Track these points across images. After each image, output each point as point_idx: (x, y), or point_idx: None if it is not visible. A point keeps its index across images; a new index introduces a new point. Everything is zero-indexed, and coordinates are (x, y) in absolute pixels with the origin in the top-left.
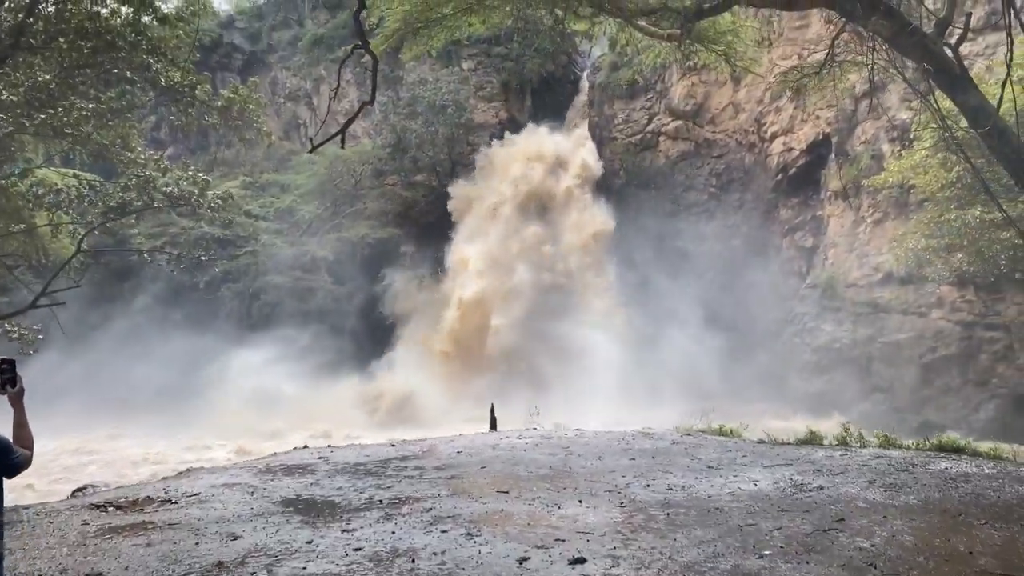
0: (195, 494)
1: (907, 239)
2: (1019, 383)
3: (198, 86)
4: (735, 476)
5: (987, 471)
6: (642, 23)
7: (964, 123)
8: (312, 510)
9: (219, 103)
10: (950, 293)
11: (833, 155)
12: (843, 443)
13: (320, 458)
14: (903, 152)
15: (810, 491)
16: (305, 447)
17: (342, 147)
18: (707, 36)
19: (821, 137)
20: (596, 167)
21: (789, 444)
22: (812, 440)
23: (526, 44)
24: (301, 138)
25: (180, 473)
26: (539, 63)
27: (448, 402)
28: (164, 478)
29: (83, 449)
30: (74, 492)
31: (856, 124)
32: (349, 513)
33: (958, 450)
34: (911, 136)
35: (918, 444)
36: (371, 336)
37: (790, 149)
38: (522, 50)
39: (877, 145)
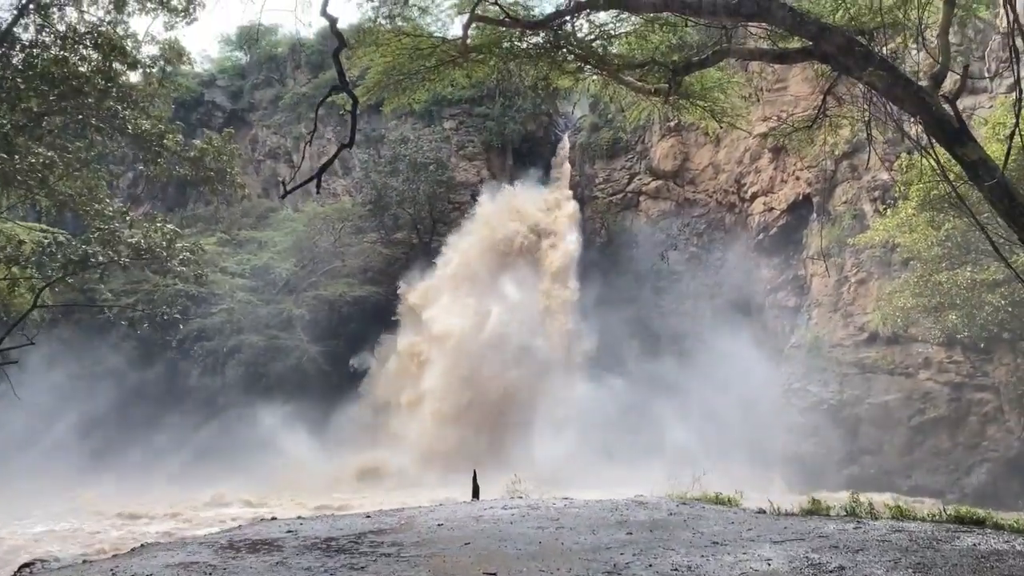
0: None
1: (895, 298)
2: (1010, 447)
3: (167, 135)
4: (744, 554)
5: (1019, 548)
6: (628, 78)
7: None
8: None
9: (191, 153)
10: (938, 353)
11: (814, 215)
12: (853, 514)
13: (288, 531)
14: (888, 211)
15: (830, 572)
16: (273, 518)
17: (317, 192)
18: (694, 92)
19: (801, 197)
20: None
21: (794, 515)
22: (818, 510)
23: (508, 104)
24: (280, 194)
25: (133, 550)
26: (521, 123)
27: (423, 467)
28: (115, 555)
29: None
30: (21, 567)
31: (836, 184)
32: None
33: (979, 522)
34: (894, 195)
35: (935, 516)
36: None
37: (771, 209)
38: (504, 111)
39: (858, 205)
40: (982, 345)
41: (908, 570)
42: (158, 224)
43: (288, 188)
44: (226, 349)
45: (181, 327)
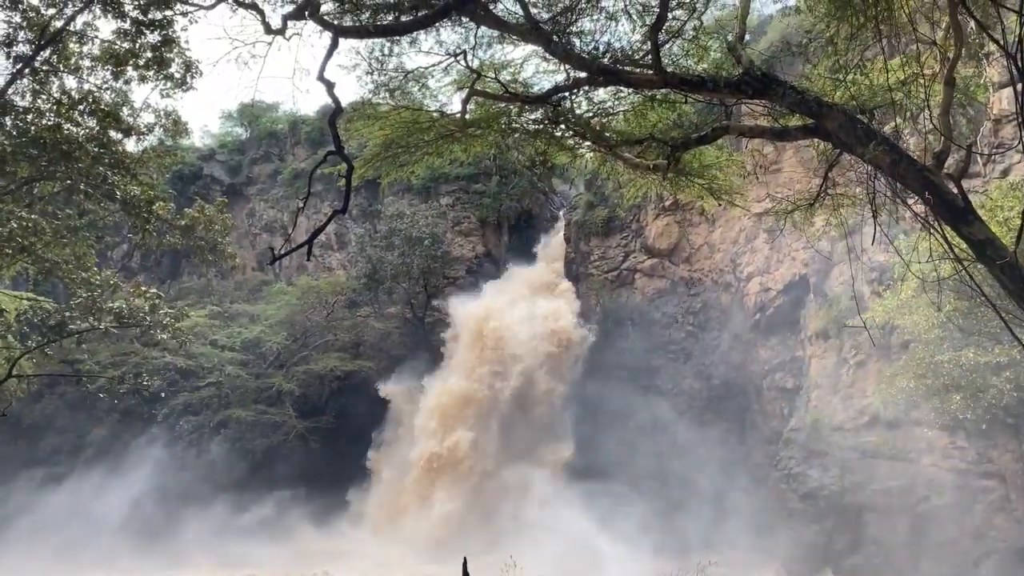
0: None
1: (897, 380)
2: (1019, 537)
3: (156, 202)
4: None
5: None
6: (626, 155)
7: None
8: None
9: (182, 222)
10: (940, 439)
11: (811, 295)
12: None
13: None
14: (888, 292)
15: None
16: None
17: (308, 259)
18: (692, 169)
19: (798, 278)
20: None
21: None
22: None
23: (504, 182)
24: (275, 268)
25: None
26: (517, 200)
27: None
28: None
29: None
30: None
31: (833, 265)
32: None
33: None
34: (892, 277)
35: None
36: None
37: (767, 289)
38: (500, 187)
39: (856, 286)
40: (984, 427)
41: None
42: (141, 290)
43: (278, 254)
44: (213, 424)
45: (164, 395)
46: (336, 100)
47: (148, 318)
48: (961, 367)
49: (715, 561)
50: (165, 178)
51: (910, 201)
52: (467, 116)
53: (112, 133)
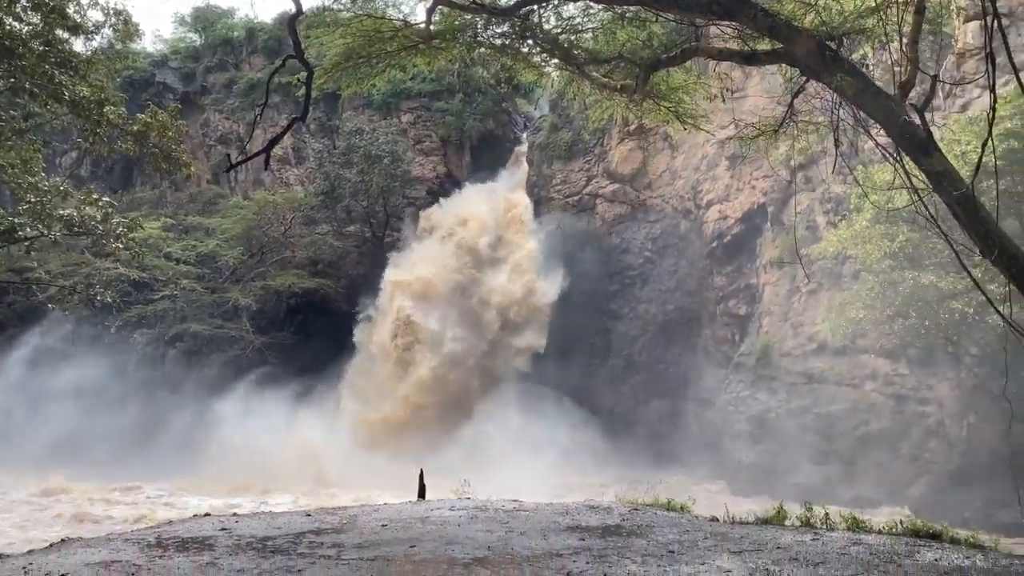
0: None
1: (847, 309)
2: (950, 460)
3: (107, 105)
4: (702, 564)
5: (980, 564)
6: (594, 74)
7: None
8: None
9: (135, 128)
10: (883, 366)
11: (769, 224)
12: (808, 524)
13: (222, 530)
14: (842, 222)
15: None
16: (207, 515)
17: (266, 168)
18: (659, 92)
19: (756, 206)
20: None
21: (748, 523)
22: (773, 520)
23: (468, 100)
24: (230, 181)
25: (52, 545)
26: (480, 120)
27: (367, 463)
28: (30, 551)
29: None
30: None
31: (792, 195)
32: None
33: (935, 536)
34: (847, 207)
35: (891, 528)
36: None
37: (725, 217)
38: (464, 106)
39: (812, 216)
40: (926, 355)
41: None
42: (93, 198)
43: (236, 161)
44: (167, 337)
45: (115, 311)
46: (297, 2)
47: (100, 227)
48: (920, 287)
49: (664, 481)
50: (116, 83)
51: (873, 131)
52: (431, 27)
53: (58, 31)
